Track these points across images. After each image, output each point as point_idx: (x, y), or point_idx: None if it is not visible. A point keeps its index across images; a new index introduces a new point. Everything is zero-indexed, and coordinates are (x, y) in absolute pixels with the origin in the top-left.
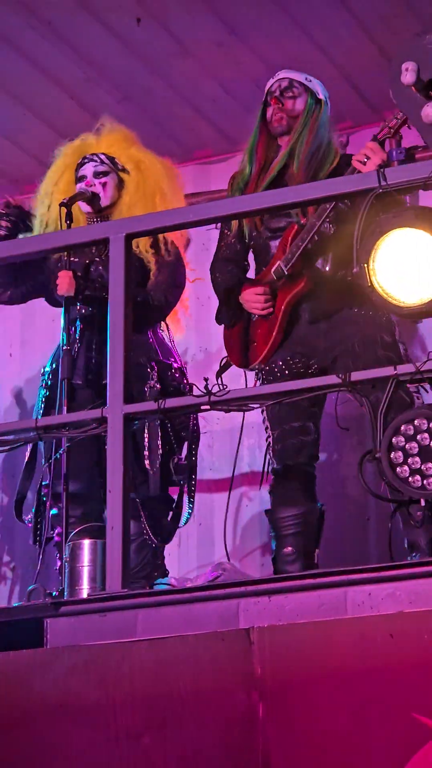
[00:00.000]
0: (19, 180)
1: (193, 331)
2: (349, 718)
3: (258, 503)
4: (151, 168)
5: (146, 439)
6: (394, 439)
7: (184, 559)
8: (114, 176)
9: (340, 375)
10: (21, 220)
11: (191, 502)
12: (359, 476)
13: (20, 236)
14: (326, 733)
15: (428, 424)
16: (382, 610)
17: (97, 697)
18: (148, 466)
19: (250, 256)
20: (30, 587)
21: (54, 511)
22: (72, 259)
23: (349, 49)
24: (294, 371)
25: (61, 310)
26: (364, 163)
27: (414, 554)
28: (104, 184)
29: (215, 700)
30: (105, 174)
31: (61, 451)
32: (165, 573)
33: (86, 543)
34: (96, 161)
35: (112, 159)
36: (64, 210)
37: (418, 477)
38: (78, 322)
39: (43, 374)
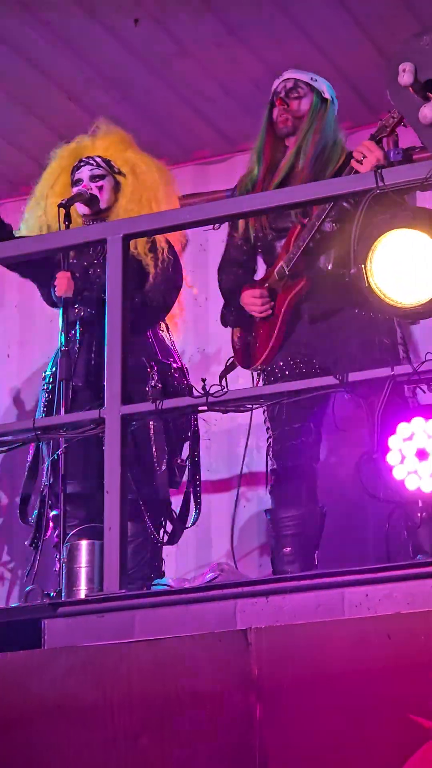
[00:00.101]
0: (17, 181)
1: (190, 332)
2: (346, 718)
3: (256, 504)
4: (147, 172)
5: (153, 439)
6: (391, 440)
7: (181, 560)
8: (110, 179)
9: (338, 376)
10: None
11: (198, 503)
12: (357, 477)
13: None
14: (323, 734)
15: (425, 425)
16: (380, 611)
17: (95, 697)
18: (156, 465)
19: (260, 258)
20: (27, 588)
21: (54, 512)
22: (71, 260)
23: (348, 49)
24: (295, 372)
25: (60, 311)
26: (361, 162)
27: (419, 557)
28: (101, 188)
29: (213, 700)
30: (101, 177)
31: (58, 452)
32: (162, 574)
33: (84, 544)
34: (92, 164)
35: (108, 162)
36: (62, 211)
37: (414, 478)
38: (77, 324)
39: (44, 377)
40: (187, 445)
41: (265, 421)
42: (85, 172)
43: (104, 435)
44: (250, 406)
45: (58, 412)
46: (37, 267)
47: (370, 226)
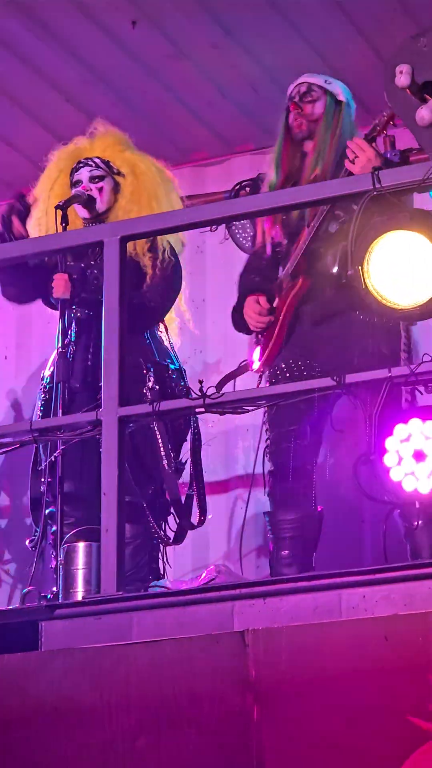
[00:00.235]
0: (14, 182)
1: (187, 333)
2: (343, 720)
3: (253, 505)
4: (147, 172)
5: (159, 440)
6: (388, 442)
7: (179, 561)
8: (110, 180)
9: (335, 378)
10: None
11: (202, 504)
12: (354, 478)
13: None
14: (321, 736)
15: (422, 427)
16: (377, 613)
17: (93, 699)
18: (165, 466)
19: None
20: (25, 590)
21: (51, 509)
22: (68, 262)
23: (345, 51)
24: (296, 374)
25: (57, 312)
26: (353, 162)
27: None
28: (100, 189)
29: (210, 702)
30: (101, 178)
31: (56, 454)
32: (160, 576)
33: (81, 546)
34: (91, 165)
35: (107, 163)
36: (59, 213)
37: (411, 479)
38: (74, 325)
39: (42, 379)
40: (187, 446)
41: (263, 423)
42: (84, 174)
43: (101, 437)
44: (248, 408)
45: (55, 414)
46: (37, 285)
47: (367, 227)
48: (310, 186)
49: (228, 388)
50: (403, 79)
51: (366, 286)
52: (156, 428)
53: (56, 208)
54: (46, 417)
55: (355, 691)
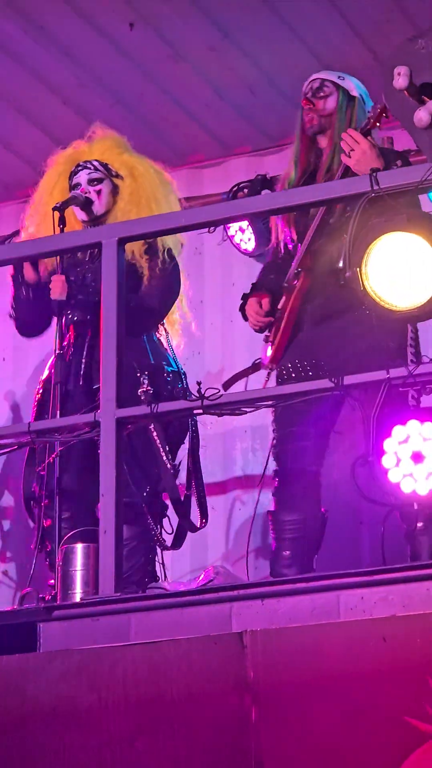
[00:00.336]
0: (12, 185)
1: (185, 335)
2: (341, 721)
3: (251, 507)
4: (145, 174)
5: (158, 441)
6: (386, 443)
7: (177, 563)
8: (108, 183)
9: (333, 379)
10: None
11: (202, 506)
12: (352, 480)
13: None
14: (319, 737)
15: (420, 428)
16: (375, 614)
17: (91, 701)
18: (166, 467)
19: None
20: (23, 592)
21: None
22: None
23: (342, 53)
24: (301, 374)
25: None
26: (349, 155)
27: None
28: (99, 192)
29: (208, 703)
30: (99, 181)
31: (54, 455)
32: (156, 578)
33: (79, 547)
34: (90, 168)
35: (105, 165)
36: (56, 214)
37: (410, 481)
38: (72, 327)
39: (40, 382)
40: (186, 448)
41: (272, 422)
42: (82, 176)
43: (99, 438)
44: (246, 409)
45: (53, 416)
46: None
47: (365, 229)
48: (308, 187)
49: (239, 386)
50: (401, 81)
51: (364, 288)
52: (153, 430)
53: (53, 209)
54: (39, 418)
55: (353, 692)
